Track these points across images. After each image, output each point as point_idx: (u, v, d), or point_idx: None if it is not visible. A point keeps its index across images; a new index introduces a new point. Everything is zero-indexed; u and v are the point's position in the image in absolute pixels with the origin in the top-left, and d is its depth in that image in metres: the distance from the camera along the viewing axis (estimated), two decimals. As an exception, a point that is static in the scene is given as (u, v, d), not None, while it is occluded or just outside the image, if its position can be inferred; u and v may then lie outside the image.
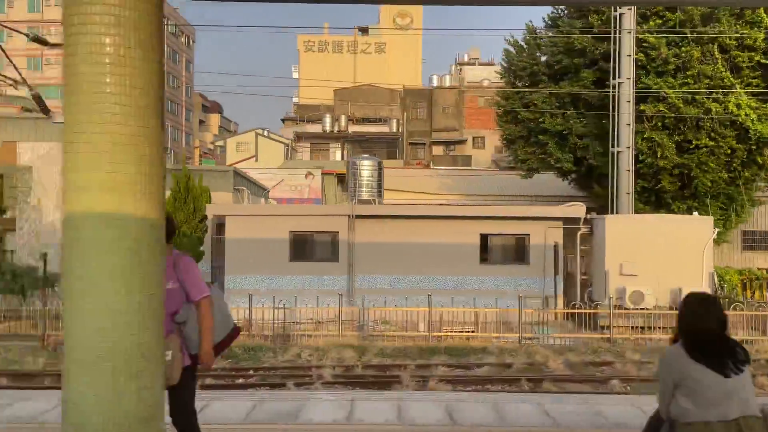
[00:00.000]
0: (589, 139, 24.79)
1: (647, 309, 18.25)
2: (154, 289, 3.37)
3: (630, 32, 22.64)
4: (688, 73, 23.08)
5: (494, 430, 5.41)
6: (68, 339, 3.28)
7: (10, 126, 26.30)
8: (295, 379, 13.00)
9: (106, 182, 3.21)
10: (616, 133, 22.78)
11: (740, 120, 22.74)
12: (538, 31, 27.63)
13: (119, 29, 3.22)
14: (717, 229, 20.55)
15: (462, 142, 60.91)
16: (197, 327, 4.17)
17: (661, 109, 23.18)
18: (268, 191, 35.02)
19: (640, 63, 23.27)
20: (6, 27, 13.77)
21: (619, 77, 22.72)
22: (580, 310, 18.27)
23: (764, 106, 22.87)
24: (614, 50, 22.81)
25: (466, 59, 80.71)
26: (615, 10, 22.94)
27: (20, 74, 14.36)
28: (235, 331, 4.50)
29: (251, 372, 13.90)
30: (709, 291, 18.74)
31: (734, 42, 22.79)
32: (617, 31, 22.67)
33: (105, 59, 3.21)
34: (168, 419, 4.11)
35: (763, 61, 22.90)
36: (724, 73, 22.81)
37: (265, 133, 63.57)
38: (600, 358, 15.25)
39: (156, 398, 3.40)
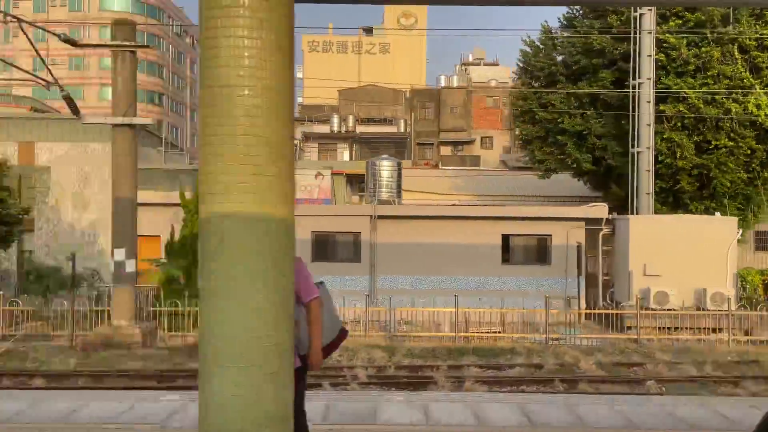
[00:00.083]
0: (607, 140, 24.77)
1: (672, 309, 18.25)
2: (288, 289, 3.39)
3: (650, 33, 22.63)
4: (708, 73, 23.06)
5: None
6: (209, 340, 3.28)
7: (28, 126, 26.31)
8: (329, 379, 13.00)
9: (249, 184, 3.22)
10: (636, 133, 22.77)
11: (760, 120, 22.73)
12: (554, 31, 27.63)
13: (261, 32, 3.22)
14: (740, 230, 20.55)
15: (470, 142, 60.90)
16: (307, 328, 4.17)
17: (680, 109, 23.16)
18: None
19: (660, 63, 23.26)
20: (40, 27, 13.75)
21: (639, 77, 22.71)
22: (607, 311, 18.25)
23: (784, 106, 22.84)
24: (634, 51, 22.81)
25: (470, 59, 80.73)
26: (635, 11, 22.94)
27: (52, 75, 14.39)
28: (343, 332, 4.51)
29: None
30: (732, 291, 18.76)
31: (754, 42, 22.78)
32: (637, 32, 22.67)
33: (246, 62, 3.22)
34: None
35: (783, 61, 22.89)
36: (743, 73, 22.80)
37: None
38: (629, 359, 15.24)
39: (290, 398, 3.41)
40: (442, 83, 65.56)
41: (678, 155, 23.66)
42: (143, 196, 25.49)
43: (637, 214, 22.32)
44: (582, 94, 24.94)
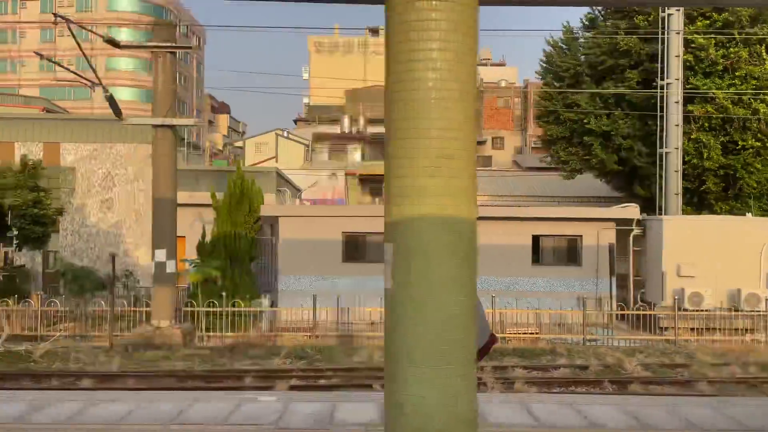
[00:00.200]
0: (633, 140, 24.78)
1: (707, 310, 18.24)
2: (475, 292, 3.39)
3: (678, 33, 22.63)
4: (736, 74, 23.07)
5: None
6: (401, 341, 3.28)
7: (53, 127, 26.32)
8: (377, 380, 12.99)
9: (446, 188, 3.22)
10: (664, 134, 22.77)
11: (787, 121, 22.76)
12: (576, 32, 27.67)
13: (457, 35, 3.23)
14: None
15: (481, 142, 60.85)
16: None
17: (708, 110, 23.17)
18: (302, 192, 35.04)
19: (688, 64, 23.27)
20: (88, 29, 13.76)
21: (667, 78, 22.71)
22: (644, 312, 18.23)
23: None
24: (662, 51, 22.81)
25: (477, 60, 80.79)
26: (663, 11, 22.94)
27: (97, 76, 14.40)
28: (493, 337, 4.51)
29: (330, 373, 13.90)
30: (767, 292, 18.75)
31: (782, 43, 22.81)
32: (665, 32, 22.66)
33: (444, 66, 3.22)
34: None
35: (810, 62, 22.90)
36: (772, 74, 22.83)
37: (285, 133, 63.59)
38: (672, 360, 15.22)
39: (476, 400, 3.41)
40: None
41: (705, 156, 23.68)
42: (166, 196, 25.64)
43: (664, 214, 22.32)
44: (607, 94, 24.96)
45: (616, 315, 19.69)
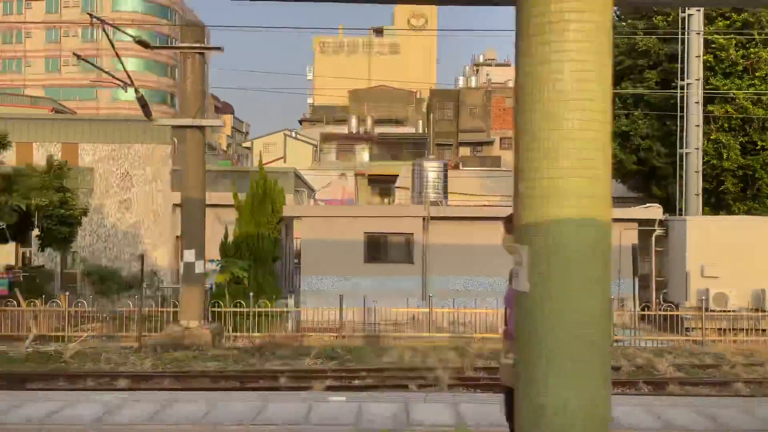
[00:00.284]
0: (651, 141, 24.78)
1: (733, 311, 18.24)
2: (610, 291, 3.39)
3: (699, 33, 22.63)
4: (756, 74, 23.06)
5: None
6: (540, 344, 3.28)
7: (72, 127, 26.35)
8: (414, 380, 13.00)
9: (586, 189, 3.22)
10: (684, 134, 22.76)
11: (808, 121, 22.75)
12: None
13: (598, 35, 3.23)
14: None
15: (489, 143, 60.87)
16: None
17: (728, 110, 23.17)
18: (316, 192, 35.04)
19: (708, 64, 23.26)
20: (121, 29, 13.77)
21: (687, 78, 22.71)
22: (670, 312, 18.22)
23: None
24: (682, 51, 22.81)
25: (481, 60, 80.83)
26: (683, 11, 22.95)
27: (129, 77, 14.42)
28: None
29: (363, 373, 13.91)
30: (791, 293, 18.75)
31: (803, 44, 22.80)
32: (685, 33, 22.67)
33: (585, 66, 3.22)
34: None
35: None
36: (792, 74, 22.82)
37: (293, 134, 63.65)
38: (702, 360, 15.21)
39: (611, 402, 3.40)
40: (461, 84, 65.62)
41: (724, 156, 23.68)
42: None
43: (684, 215, 22.33)
44: (625, 94, 24.94)
45: (639, 315, 19.70)
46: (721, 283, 18.70)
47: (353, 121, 62.56)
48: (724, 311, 18.25)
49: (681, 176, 22.73)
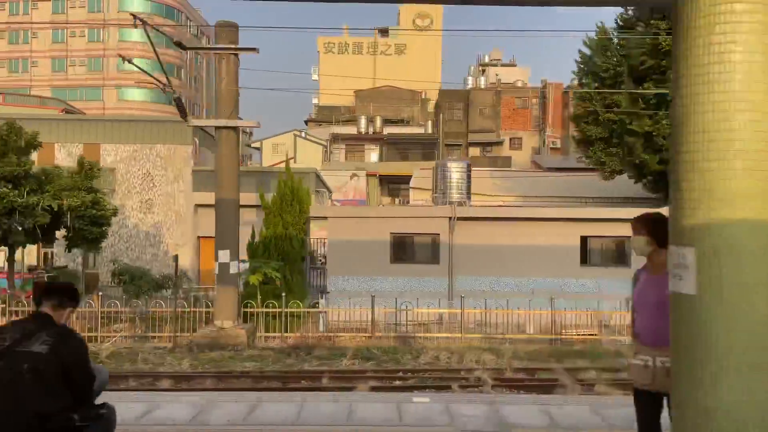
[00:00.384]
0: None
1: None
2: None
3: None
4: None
5: None
6: (715, 347, 3.26)
7: (94, 127, 26.36)
8: (456, 381, 13.00)
9: (759, 189, 3.22)
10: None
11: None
12: (612, 32, 27.70)
13: (765, 34, 3.23)
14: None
15: (499, 143, 60.90)
16: None
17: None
18: (332, 192, 35.04)
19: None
20: (157, 29, 13.76)
21: (711, 79, 22.71)
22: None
23: None
24: (706, 52, 22.81)
25: (487, 60, 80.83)
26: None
27: (167, 77, 14.42)
28: None
29: (401, 374, 13.91)
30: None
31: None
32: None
33: (756, 66, 3.22)
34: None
35: None
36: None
37: (303, 134, 63.64)
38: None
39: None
40: (470, 84, 65.59)
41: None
42: (202, 198, 25.65)
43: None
44: (648, 95, 24.95)
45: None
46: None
47: (362, 122, 62.53)
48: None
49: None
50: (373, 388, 12.25)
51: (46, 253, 25.92)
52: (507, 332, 18.04)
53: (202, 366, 14.30)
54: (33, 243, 17.81)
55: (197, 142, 26.61)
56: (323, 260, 25.76)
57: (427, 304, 18.62)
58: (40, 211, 16.72)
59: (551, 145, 59.02)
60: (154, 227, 25.79)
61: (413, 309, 18.02)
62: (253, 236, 20.16)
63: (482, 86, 63.34)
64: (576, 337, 17.48)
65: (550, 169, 48.63)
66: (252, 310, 17.08)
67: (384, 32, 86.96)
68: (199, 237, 26.08)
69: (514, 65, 79.97)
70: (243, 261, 19.22)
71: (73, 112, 45.56)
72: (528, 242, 20.73)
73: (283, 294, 17.20)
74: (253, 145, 68.50)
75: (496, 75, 66.12)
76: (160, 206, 25.90)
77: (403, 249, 21.15)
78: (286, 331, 17.10)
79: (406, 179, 52.29)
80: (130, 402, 6.35)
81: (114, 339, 16.50)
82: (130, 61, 13.82)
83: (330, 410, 6.07)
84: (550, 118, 59.03)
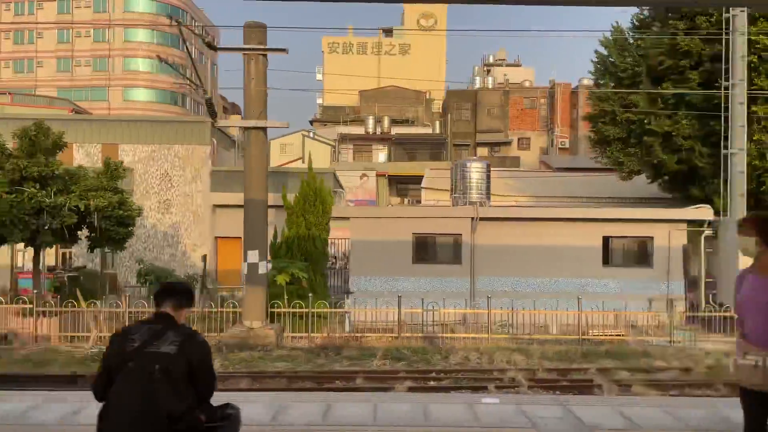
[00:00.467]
0: (693, 141, 24.75)
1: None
2: None
3: (743, 34, 22.60)
4: (800, 75, 23.05)
5: None
6: None
7: (112, 127, 26.38)
8: (492, 382, 13.00)
9: None
10: (729, 134, 22.73)
11: None
12: (629, 33, 27.68)
13: None
14: None
15: (507, 143, 60.89)
16: None
17: (772, 111, 23.16)
18: (344, 192, 35.03)
19: (752, 65, 23.23)
20: (191, 30, 13.76)
21: (732, 79, 22.68)
22: (725, 314, 18.21)
23: None
24: (726, 52, 22.79)
25: (492, 60, 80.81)
26: (726, 12, 22.94)
27: (199, 77, 14.43)
28: None
29: (434, 374, 13.92)
30: None
31: None
32: (729, 33, 22.65)
33: None
34: None
35: None
36: (836, 74, 22.80)
37: (311, 134, 63.62)
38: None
39: None
40: (477, 84, 65.54)
41: (766, 157, 23.67)
42: (220, 198, 25.66)
43: (728, 215, 22.28)
44: (667, 95, 24.92)
45: (688, 317, 19.68)
46: (775, 284, 18.66)
47: (370, 122, 62.53)
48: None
49: (726, 178, 22.67)
50: (410, 389, 12.27)
51: (64, 254, 25.94)
52: (530, 333, 18.05)
53: (233, 366, 14.30)
54: (60, 243, 17.79)
55: (215, 142, 26.63)
56: (333, 260, 25.78)
57: (454, 305, 18.62)
58: (67, 211, 16.71)
59: (560, 145, 59.00)
60: (172, 227, 25.80)
61: (439, 309, 17.99)
62: (275, 236, 20.16)
63: (490, 86, 63.27)
64: (603, 337, 17.47)
65: (559, 169, 48.59)
66: (279, 310, 17.08)
67: (388, 32, 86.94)
68: (216, 237, 26.09)
69: (518, 65, 79.97)
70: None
71: (82, 112, 45.58)
72: (550, 242, 20.72)
73: (310, 294, 17.19)
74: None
75: (504, 75, 66.05)
76: (178, 206, 25.91)
77: (425, 249, 21.16)
78: (312, 332, 17.10)
79: (414, 179, 52.26)
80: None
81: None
82: (168, 63, 13.79)
83: (404, 410, 6.07)
84: (558, 118, 59.01)
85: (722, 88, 22.99)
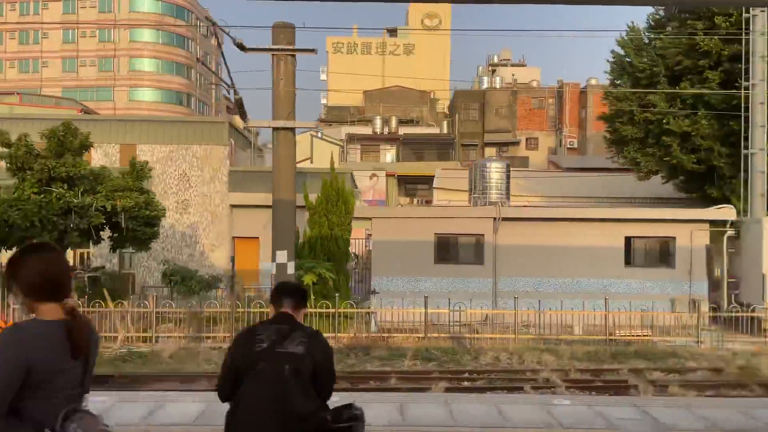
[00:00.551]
0: (711, 141, 24.75)
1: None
2: None
3: (763, 34, 22.60)
4: (821, 75, 23.01)
5: None
6: None
7: (130, 128, 26.38)
8: (527, 382, 13.00)
9: None
10: (750, 135, 22.73)
11: None
12: (647, 33, 27.69)
13: None
14: None
15: (515, 143, 60.88)
16: None
17: (792, 110, 23.13)
18: (360, 192, 35.06)
19: (772, 65, 23.22)
20: (225, 32, 13.71)
21: (752, 79, 22.69)
22: (750, 314, 18.20)
23: None
24: (746, 52, 22.80)
25: (496, 60, 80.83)
26: (746, 12, 22.95)
27: (231, 77, 14.42)
28: None
29: (466, 374, 13.92)
30: None
31: None
32: (749, 33, 22.65)
33: None
34: None
35: None
36: None
37: (319, 134, 63.62)
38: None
39: None
40: (485, 84, 65.54)
41: (787, 156, 23.65)
42: (238, 198, 25.66)
43: (749, 215, 22.29)
44: (686, 95, 24.91)
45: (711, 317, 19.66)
46: (800, 285, 18.69)
47: (378, 122, 62.55)
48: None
49: (746, 178, 22.67)
50: (448, 389, 12.28)
51: (82, 254, 25.94)
52: (554, 333, 18.04)
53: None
54: (87, 244, 17.80)
55: (233, 142, 26.63)
56: (356, 260, 25.77)
57: (481, 306, 18.64)
58: (94, 211, 16.73)
59: (568, 145, 59.01)
60: (190, 228, 25.80)
61: (466, 310, 17.99)
62: (297, 236, 20.13)
63: (497, 86, 63.29)
64: (629, 338, 17.47)
65: (569, 169, 48.57)
66: (306, 310, 17.03)
67: (393, 32, 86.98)
68: (234, 237, 26.09)
69: (523, 65, 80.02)
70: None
71: (90, 112, 45.57)
72: (572, 243, 20.72)
73: (336, 294, 17.20)
74: (269, 145, 68.52)
75: (513, 75, 66.07)
76: (196, 206, 25.91)
77: (446, 249, 21.16)
78: (338, 332, 17.11)
79: (422, 179, 52.24)
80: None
81: (168, 339, 16.52)
82: (205, 65, 13.76)
83: (479, 411, 6.07)
84: (566, 118, 59.00)
85: (742, 89, 23.01)
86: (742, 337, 17.88)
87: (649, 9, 28.78)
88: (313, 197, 20.56)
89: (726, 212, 21.07)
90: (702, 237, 20.81)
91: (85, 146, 17.48)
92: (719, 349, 16.31)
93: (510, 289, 20.60)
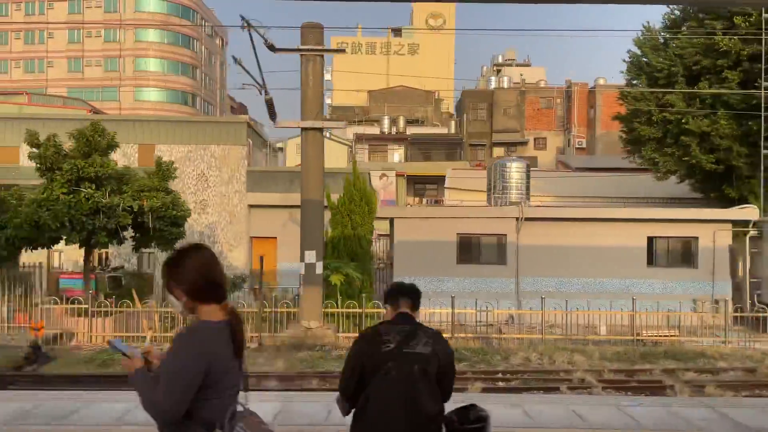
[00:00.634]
0: (730, 140, 24.74)
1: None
2: None
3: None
4: (841, 75, 23.02)
5: None
6: None
7: (148, 128, 26.37)
8: (562, 383, 12.98)
9: None
10: (769, 134, 22.75)
11: None
12: (663, 33, 27.67)
13: None
14: None
15: (523, 143, 60.86)
16: None
17: (812, 111, 23.15)
18: (376, 192, 35.00)
19: (791, 64, 23.24)
20: (257, 31, 13.73)
21: (771, 79, 22.70)
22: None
23: None
24: (766, 52, 22.81)
25: (501, 60, 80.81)
26: (766, 12, 22.94)
27: (263, 77, 14.42)
28: None
29: (500, 374, 13.90)
30: None
31: None
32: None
33: None
34: None
35: None
36: None
37: (328, 134, 63.57)
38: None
39: None
40: (493, 84, 65.52)
41: (806, 157, 23.66)
42: (255, 198, 25.64)
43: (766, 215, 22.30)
44: (704, 94, 24.90)
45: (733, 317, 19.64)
46: (824, 285, 18.67)
47: (385, 122, 62.53)
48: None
49: (766, 178, 22.68)
50: (485, 390, 12.26)
51: (100, 254, 25.92)
52: (579, 333, 18.01)
53: (295, 366, 14.29)
54: (114, 243, 17.77)
55: (251, 142, 26.63)
56: (380, 260, 25.76)
57: (508, 306, 18.64)
58: (121, 211, 16.72)
59: (577, 145, 58.98)
60: (208, 227, 25.79)
61: (493, 310, 17.98)
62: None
63: (505, 86, 63.27)
64: (655, 337, 17.45)
65: (579, 169, 48.53)
66: (333, 310, 17.06)
67: (397, 32, 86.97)
68: (251, 237, 26.08)
69: (528, 65, 80.00)
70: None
71: (98, 112, 45.57)
72: (594, 243, 20.72)
73: (363, 294, 17.19)
74: (278, 145, 68.47)
75: (521, 75, 66.04)
76: (214, 206, 25.90)
77: (469, 249, 21.15)
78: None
79: (431, 179, 52.24)
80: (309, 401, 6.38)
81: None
82: (241, 65, 13.78)
83: (556, 412, 6.06)
84: (575, 118, 58.98)
85: (762, 88, 23.01)
86: (766, 337, 17.85)
87: (664, 8, 28.81)
88: (334, 197, 20.56)
89: (749, 212, 21.06)
90: (724, 237, 20.81)
91: (112, 146, 17.48)
92: (747, 349, 16.28)
93: (532, 289, 20.60)
